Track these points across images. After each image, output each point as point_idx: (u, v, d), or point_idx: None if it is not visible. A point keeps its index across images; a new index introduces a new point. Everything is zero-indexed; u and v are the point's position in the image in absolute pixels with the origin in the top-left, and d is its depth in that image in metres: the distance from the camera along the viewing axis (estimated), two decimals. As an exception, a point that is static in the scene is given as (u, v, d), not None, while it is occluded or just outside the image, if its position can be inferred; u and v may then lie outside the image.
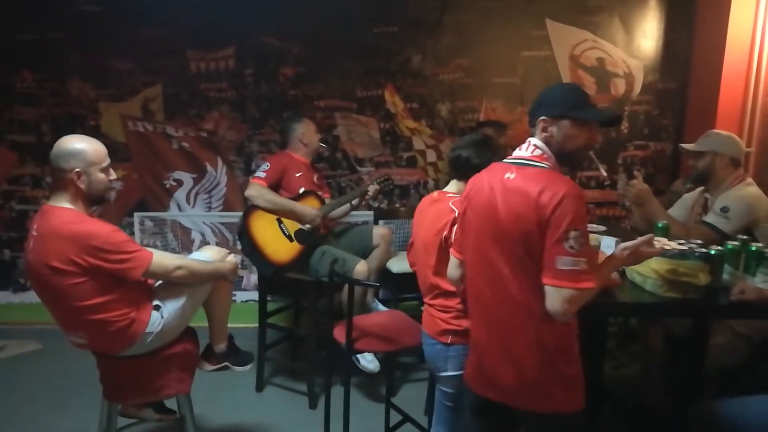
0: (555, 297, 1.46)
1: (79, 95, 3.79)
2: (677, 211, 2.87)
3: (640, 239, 1.66)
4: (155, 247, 3.81)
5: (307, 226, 3.11)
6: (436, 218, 1.99)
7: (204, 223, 3.97)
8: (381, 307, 3.20)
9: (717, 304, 1.97)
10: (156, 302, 2.11)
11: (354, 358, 2.84)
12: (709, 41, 3.68)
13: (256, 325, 3.20)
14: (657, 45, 3.92)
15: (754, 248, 2.08)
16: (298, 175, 3.19)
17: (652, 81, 3.96)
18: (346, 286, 2.31)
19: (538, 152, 1.59)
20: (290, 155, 3.26)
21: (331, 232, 3.33)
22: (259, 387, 3.21)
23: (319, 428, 2.52)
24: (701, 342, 2.35)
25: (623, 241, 2.29)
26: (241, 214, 3.07)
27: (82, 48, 3.74)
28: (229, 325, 2.51)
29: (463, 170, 2.04)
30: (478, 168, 1.98)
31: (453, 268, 1.84)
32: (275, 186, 3.11)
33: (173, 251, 3.86)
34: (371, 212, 3.85)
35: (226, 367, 2.46)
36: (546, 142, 1.60)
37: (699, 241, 2.10)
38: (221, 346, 2.44)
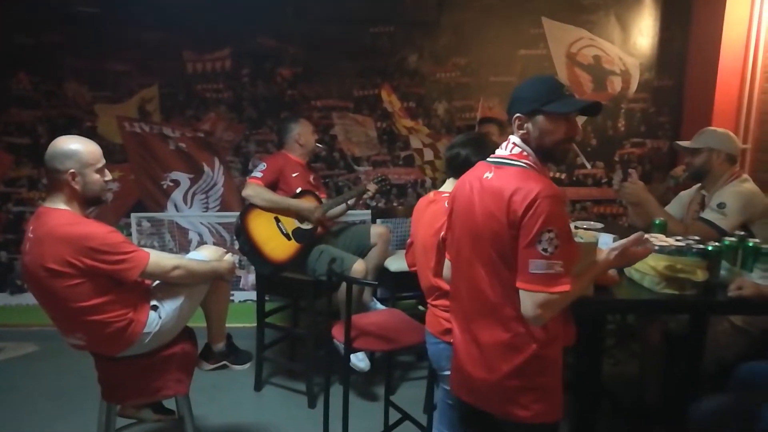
0: (528, 301, 1.43)
1: (75, 97, 3.78)
2: (674, 208, 2.88)
3: (627, 239, 1.64)
4: (152, 247, 3.80)
5: (305, 224, 3.11)
6: (433, 219, 1.99)
7: (201, 223, 3.96)
8: (379, 306, 3.20)
9: (714, 300, 1.97)
10: (153, 303, 2.11)
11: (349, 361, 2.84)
12: (705, 38, 3.69)
13: (255, 324, 3.20)
14: (653, 42, 3.93)
15: (751, 244, 2.08)
16: (294, 175, 3.19)
17: (649, 78, 3.97)
18: (344, 285, 2.31)
19: (517, 150, 1.56)
20: (287, 156, 3.26)
21: (328, 232, 3.33)
22: (258, 387, 3.20)
23: (318, 427, 2.52)
24: (699, 338, 2.35)
25: (621, 238, 2.31)
26: (238, 214, 3.07)
27: (78, 50, 3.73)
28: (227, 324, 2.51)
29: (461, 169, 2.02)
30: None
31: (446, 269, 1.84)
32: (272, 186, 3.11)
33: (171, 252, 3.85)
34: (369, 211, 3.85)
35: (224, 366, 2.46)
36: (524, 139, 1.56)
37: (696, 238, 2.11)
38: (220, 346, 2.44)
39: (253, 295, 3.79)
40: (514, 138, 1.59)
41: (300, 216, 3.11)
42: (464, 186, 1.64)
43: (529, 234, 1.41)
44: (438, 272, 1.98)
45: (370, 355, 3.18)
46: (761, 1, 3.39)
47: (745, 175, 2.62)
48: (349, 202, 3.31)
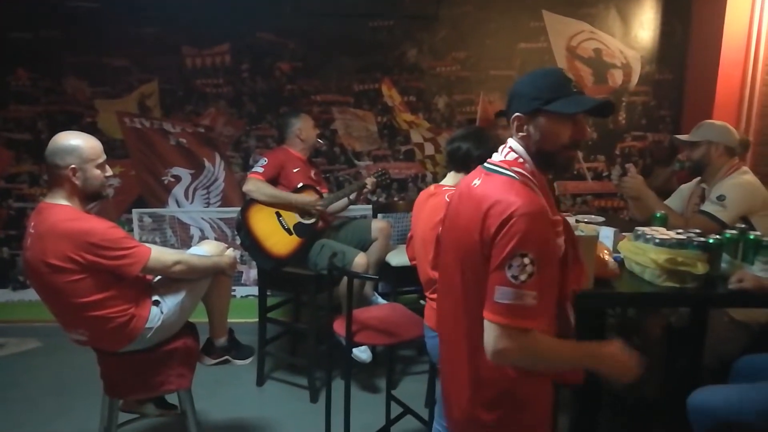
0: (488, 333, 1.26)
1: (75, 93, 3.77)
2: (675, 201, 2.88)
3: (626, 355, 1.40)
4: (154, 243, 3.81)
5: (307, 219, 3.11)
6: (432, 212, 1.99)
7: (203, 218, 3.97)
8: (381, 300, 3.21)
9: (715, 293, 1.97)
10: (155, 298, 2.12)
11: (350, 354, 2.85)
12: (706, 31, 3.67)
13: (256, 319, 3.21)
14: (654, 36, 3.91)
15: (752, 237, 2.08)
16: (295, 170, 3.19)
17: (650, 72, 3.96)
18: (345, 279, 2.32)
19: (511, 156, 1.37)
20: (287, 151, 3.26)
21: (329, 226, 3.33)
22: (260, 381, 3.21)
23: (320, 422, 2.53)
24: (700, 332, 2.36)
25: (621, 231, 2.31)
26: (239, 209, 3.07)
27: (77, 46, 3.72)
28: (229, 320, 2.51)
29: (462, 162, 2.04)
30: (479, 159, 1.97)
31: None
32: (273, 181, 3.11)
33: (172, 247, 3.85)
34: (370, 206, 3.85)
35: (226, 361, 2.47)
36: (523, 143, 1.37)
37: (697, 231, 2.10)
38: (221, 340, 2.45)
39: (254, 290, 3.80)
40: (511, 141, 1.40)
41: (301, 211, 3.11)
42: (457, 191, 1.49)
43: (499, 256, 1.23)
44: (436, 265, 1.98)
45: (372, 349, 3.19)
46: (763, -7, 3.38)
47: (745, 167, 2.62)
48: (350, 197, 3.31)
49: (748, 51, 3.48)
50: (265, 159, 3.15)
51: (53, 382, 3.23)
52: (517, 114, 1.37)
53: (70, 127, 3.17)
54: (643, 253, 1.99)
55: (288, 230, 3.07)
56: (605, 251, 2.01)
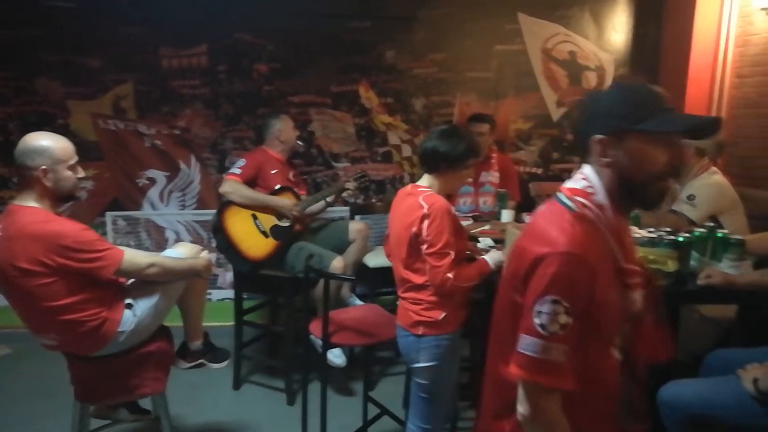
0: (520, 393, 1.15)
1: (48, 93, 3.71)
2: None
3: None
4: (128, 246, 3.75)
5: (284, 221, 3.10)
6: (407, 212, 1.98)
7: (178, 221, 3.92)
8: (358, 302, 3.21)
9: (685, 290, 2.01)
10: (128, 301, 2.08)
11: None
12: (677, 35, 3.75)
13: (233, 323, 3.18)
14: (627, 38, 3.98)
15: (720, 235, 2.13)
16: (273, 172, 3.17)
17: (623, 74, 4.02)
18: (322, 281, 2.31)
19: (581, 184, 1.18)
20: (266, 152, 3.24)
21: (307, 229, 3.32)
22: (237, 385, 3.19)
23: (298, 424, 2.52)
24: (671, 327, 2.40)
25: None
26: (215, 211, 3.05)
27: (51, 45, 3.65)
28: (205, 324, 2.49)
29: (431, 162, 2.01)
30: (446, 157, 1.97)
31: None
32: (250, 183, 3.09)
33: (147, 250, 3.80)
34: (347, 208, 3.85)
35: (202, 365, 2.45)
36: (604, 170, 1.17)
37: (668, 229, 2.14)
38: (197, 344, 2.42)
39: (231, 293, 3.75)
40: (587, 168, 1.20)
41: (278, 213, 3.10)
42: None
43: (528, 298, 1.12)
44: (408, 265, 1.98)
45: (349, 352, 3.19)
46: (731, -3, 3.46)
47: (714, 168, 2.68)
48: (328, 199, 3.30)
49: (717, 54, 3.56)
50: (243, 160, 3.13)
51: (23, 389, 3.16)
52: (598, 137, 1.15)
53: (42, 128, 3.08)
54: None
55: (264, 233, 3.05)
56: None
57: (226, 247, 2.97)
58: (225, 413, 2.92)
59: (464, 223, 2.72)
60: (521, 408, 1.13)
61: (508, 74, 3.94)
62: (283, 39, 3.78)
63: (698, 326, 2.49)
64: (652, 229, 2.14)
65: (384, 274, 3.00)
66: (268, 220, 3.07)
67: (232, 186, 3.02)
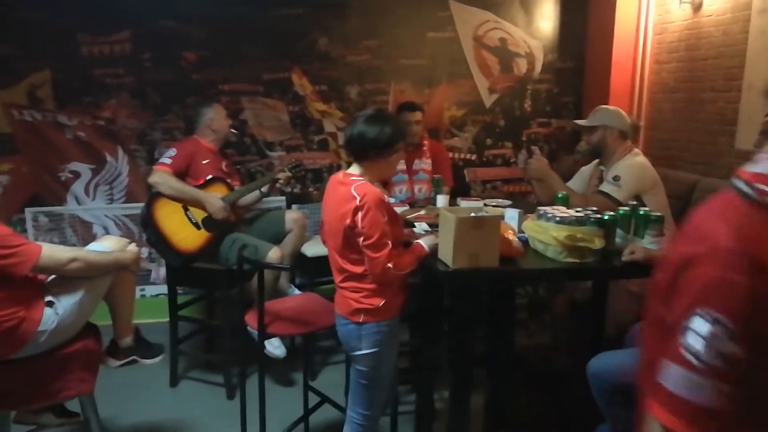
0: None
1: (-47, 83, 3.46)
2: (576, 183, 3.03)
3: None
4: (52, 243, 3.56)
5: (216, 214, 3.01)
6: (339, 203, 1.93)
7: (106, 215, 3.76)
8: (297, 292, 3.17)
9: (611, 266, 2.09)
10: (49, 298, 1.98)
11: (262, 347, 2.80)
12: (600, 22, 3.88)
13: (168, 319, 3.08)
14: (554, 26, 4.09)
15: (642, 212, 2.22)
16: (205, 162, 3.08)
17: (552, 60, 4.13)
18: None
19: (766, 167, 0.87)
20: (198, 141, 3.14)
21: (241, 219, 3.25)
22: (173, 382, 3.09)
23: (238, 418, 2.47)
24: (600, 305, 2.50)
25: (527, 213, 2.40)
26: (144, 204, 2.94)
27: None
28: (138, 321, 2.41)
29: (360, 150, 1.97)
30: (374, 143, 1.94)
31: None
32: (182, 173, 2.99)
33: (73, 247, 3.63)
34: (283, 197, 3.79)
35: (134, 362, 2.35)
36: None
37: (594, 209, 2.22)
38: (127, 340, 2.33)
39: (165, 288, 3.64)
40: None
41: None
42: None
43: (675, 312, 0.83)
44: (346, 256, 1.95)
45: (290, 343, 3.15)
46: (649, -14, 3.62)
47: (637, 150, 2.80)
48: (263, 189, 3.23)
49: (637, 41, 3.72)
50: (174, 150, 3.03)
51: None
52: None
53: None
54: (545, 231, 2.08)
55: (196, 225, 2.96)
56: (510, 231, 2.08)
57: (157, 240, 2.87)
58: (162, 411, 2.83)
59: (400, 209, 2.73)
60: None
61: (441, 61, 3.98)
62: (210, 26, 3.66)
63: (625, 301, 2.60)
64: (579, 209, 2.21)
65: (323, 263, 2.95)
66: (200, 212, 2.98)
67: (161, 176, 2.91)
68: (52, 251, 1.93)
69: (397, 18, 3.87)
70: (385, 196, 1.95)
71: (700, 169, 3.26)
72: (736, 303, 0.77)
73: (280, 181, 3.21)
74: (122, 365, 2.34)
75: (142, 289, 3.80)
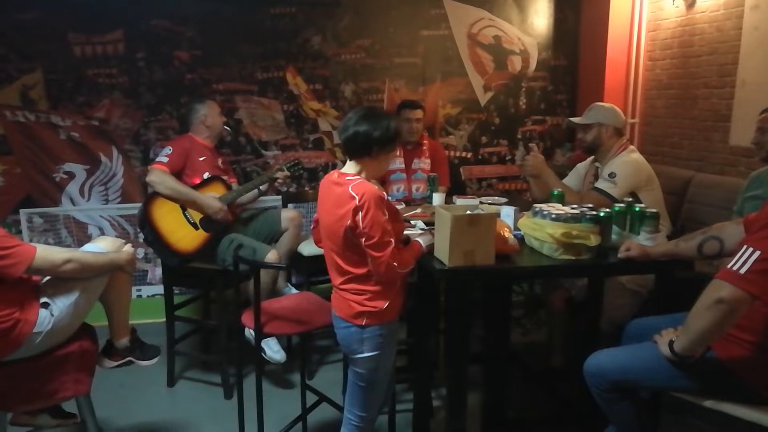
0: None
1: (-55, 84, 3.43)
2: (572, 180, 3.04)
3: None
4: (47, 244, 3.54)
5: (214, 214, 3.01)
6: (337, 204, 1.90)
7: (101, 216, 3.74)
8: (294, 291, 3.17)
9: (607, 263, 2.10)
10: (44, 299, 1.97)
11: (260, 350, 2.79)
12: (594, 19, 3.89)
13: (164, 319, 3.07)
14: (548, 23, 4.09)
15: (637, 209, 2.23)
16: (201, 159, 3.08)
17: (546, 58, 4.13)
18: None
19: None
20: (193, 138, 3.13)
21: (238, 219, 3.24)
22: (171, 382, 3.09)
23: (235, 418, 2.46)
24: (596, 302, 2.51)
25: (522, 210, 2.40)
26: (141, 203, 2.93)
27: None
28: (135, 321, 2.41)
29: (362, 147, 1.93)
30: (379, 139, 1.91)
31: None
32: (178, 171, 2.98)
33: (68, 248, 3.61)
34: (279, 196, 3.78)
35: (130, 362, 2.35)
36: None
37: (590, 206, 2.23)
38: (123, 341, 2.32)
39: (161, 289, 3.63)
40: None
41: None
42: None
43: None
44: (347, 258, 1.93)
45: (287, 345, 3.15)
46: (643, -18, 3.62)
47: (632, 147, 2.81)
48: (260, 188, 3.22)
49: (631, 37, 3.72)
50: (170, 148, 3.02)
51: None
52: None
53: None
54: (540, 228, 2.08)
55: (194, 224, 2.96)
56: (506, 228, 2.09)
57: (154, 240, 2.86)
58: (160, 412, 2.83)
59: (397, 207, 2.73)
60: None
61: (435, 60, 3.97)
62: (203, 25, 3.64)
63: (620, 297, 2.61)
64: (575, 206, 2.21)
65: (320, 262, 2.95)
66: (197, 212, 2.98)
67: (158, 176, 2.90)
68: (46, 252, 1.93)
69: (391, 16, 3.86)
70: (384, 193, 1.93)
71: (694, 165, 3.27)
72: None
73: (279, 180, 3.20)
74: (118, 366, 2.34)
75: (139, 290, 3.79)
